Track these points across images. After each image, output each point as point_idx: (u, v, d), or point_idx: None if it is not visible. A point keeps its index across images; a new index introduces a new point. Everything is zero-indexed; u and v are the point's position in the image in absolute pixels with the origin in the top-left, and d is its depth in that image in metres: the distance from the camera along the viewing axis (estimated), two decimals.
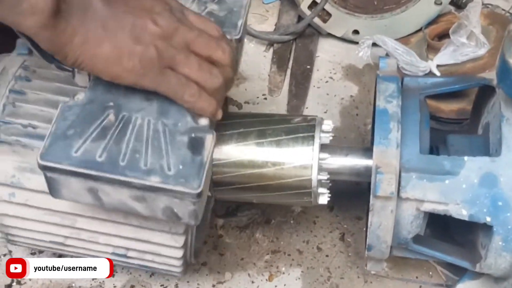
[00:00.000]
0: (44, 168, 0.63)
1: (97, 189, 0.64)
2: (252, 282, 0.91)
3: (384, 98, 0.79)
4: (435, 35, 1.11)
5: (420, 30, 1.16)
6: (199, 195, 0.63)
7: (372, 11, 1.17)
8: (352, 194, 0.93)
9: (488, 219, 0.74)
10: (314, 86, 1.16)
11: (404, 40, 1.13)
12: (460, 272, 0.87)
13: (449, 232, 0.88)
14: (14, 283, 0.92)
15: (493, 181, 0.74)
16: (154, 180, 0.63)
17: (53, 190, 0.66)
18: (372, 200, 0.74)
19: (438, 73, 1.00)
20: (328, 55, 1.21)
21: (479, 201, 0.74)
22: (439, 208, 0.75)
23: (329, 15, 1.18)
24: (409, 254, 0.85)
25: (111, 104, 0.67)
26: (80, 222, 0.76)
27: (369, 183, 0.75)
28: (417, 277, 0.90)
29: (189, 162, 0.64)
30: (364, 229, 0.91)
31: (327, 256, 0.94)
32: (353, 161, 0.81)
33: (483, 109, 0.88)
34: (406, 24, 1.17)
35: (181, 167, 0.64)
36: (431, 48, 1.06)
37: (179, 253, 0.77)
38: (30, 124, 0.73)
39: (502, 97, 0.77)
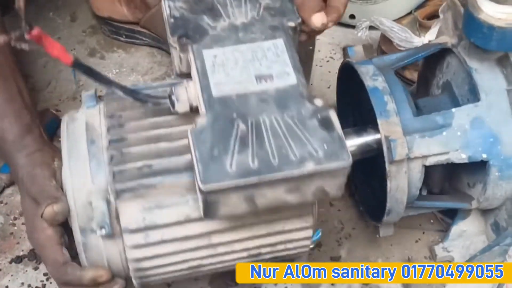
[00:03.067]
0: (208, 193, 0.63)
1: (254, 195, 0.65)
2: None
3: (369, 78, 0.85)
4: (424, 17, 1.21)
5: (410, 13, 1.27)
6: (351, 166, 0.65)
7: None
8: None
9: (484, 155, 0.83)
10: (316, 65, 1.26)
11: (396, 22, 1.24)
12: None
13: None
14: None
15: (481, 123, 0.83)
16: (309, 166, 0.64)
17: (210, 212, 0.66)
18: (388, 167, 0.81)
19: None
20: (327, 38, 1.31)
21: (474, 143, 0.83)
22: (442, 159, 0.83)
23: None
24: (412, 212, 0.93)
25: (235, 116, 0.67)
26: (215, 238, 0.75)
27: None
28: (420, 225, 1.01)
29: (330, 140, 0.65)
30: (361, 208, 1.00)
31: (339, 210, 1.04)
32: (353, 142, 0.86)
33: (436, 71, 0.95)
34: (397, 8, 1.28)
35: (325, 146, 0.65)
36: (422, 27, 1.16)
37: (309, 232, 0.78)
38: (144, 165, 0.72)
39: (464, 54, 0.86)
